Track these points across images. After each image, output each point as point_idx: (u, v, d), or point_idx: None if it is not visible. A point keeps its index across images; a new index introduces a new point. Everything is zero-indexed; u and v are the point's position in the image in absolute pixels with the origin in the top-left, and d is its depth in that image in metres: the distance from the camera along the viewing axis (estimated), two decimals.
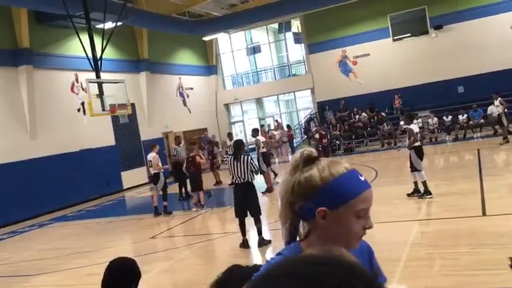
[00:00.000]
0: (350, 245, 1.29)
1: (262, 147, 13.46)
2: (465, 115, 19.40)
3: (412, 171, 9.44)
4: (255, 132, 14.29)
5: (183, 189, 14.00)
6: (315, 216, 1.28)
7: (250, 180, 7.77)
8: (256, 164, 8.11)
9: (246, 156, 8.00)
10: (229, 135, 18.67)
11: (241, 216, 7.79)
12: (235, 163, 7.74)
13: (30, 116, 15.41)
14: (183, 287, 6.73)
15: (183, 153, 14.78)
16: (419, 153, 9.36)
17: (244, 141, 24.32)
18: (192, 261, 7.93)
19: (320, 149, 15.24)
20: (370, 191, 1.30)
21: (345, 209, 1.27)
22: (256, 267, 1.57)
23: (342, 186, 1.28)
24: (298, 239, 1.35)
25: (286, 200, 1.33)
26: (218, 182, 15.74)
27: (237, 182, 7.77)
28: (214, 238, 9.27)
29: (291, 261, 0.62)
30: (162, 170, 12.24)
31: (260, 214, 7.83)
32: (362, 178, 1.32)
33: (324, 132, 15.64)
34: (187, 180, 12.73)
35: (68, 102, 17.14)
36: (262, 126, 25.28)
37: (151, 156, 12.19)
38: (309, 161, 1.34)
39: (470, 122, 19.24)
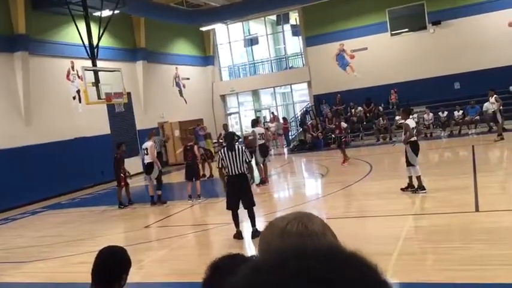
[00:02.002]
0: None
1: (259, 139, 13.42)
2: (461, 111, 19.44)
3: (407, 165, 9.47)
4: (254, 123, 14.23)
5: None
6: None
7: (244, 171, 7.75)
8: (249, 154, 8.07)
9: (239, 146, 7.99)
10: (225, 126, 18.57)
11: (233, 208, 7.78)
12: (229, 154, 7.71)
13: (25, 103, 15.31)
14: (176, 277, 6.73)
15: (157, 146, 14.72)
16: (415, 148, 9.38)
17: (239, 133, 24.22)
18: (185, 251, 7.94)
19: (343, 139, 15.34)
20: None
21: None
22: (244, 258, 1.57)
23: None
24: None
25: None
26: (210, 176, 15.69)
27: (231, 173, 7.74)
28: (208, 228, 9.27)
29: (279, 254, 0.57)
30: (155, 160, 12.24)
31: (254, 205, 7.82)
32: None
33: (337, 123, 15.67)
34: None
35: (63, 89, 17.05)
36: (258, 118, 25.18)
37: (149, 145, 12.23)
38: None
39: (466, 118, 19.28)
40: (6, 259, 8.55)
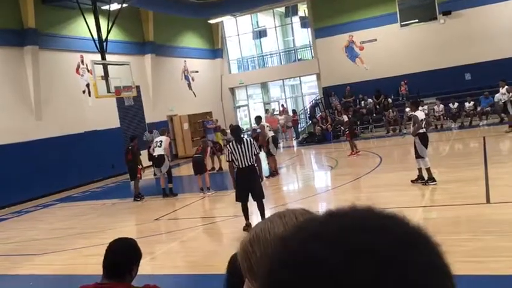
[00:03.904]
0: None
1: (270, 130, 13.49)
2: (472, 102, 19.25)
3: (416, 157, 9.42)
4: (258, 119, 14.23)
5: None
6: None
7: (253, 163, 7.74)
8: (257, 147, 8.07)
9: (248, 139, 7.99)
10: (223, 131, 18.64)
11: (243, 200, 7.79)
12: (239, 147, 7.70)
13: (35, 97, 15.41)
14: (186, 269, 6.78)
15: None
16: (423, 140, 9.32)
17: (247, 126, 24.16)
18: (195, 243, 7.97)
19: (347, 132, 15.41)
20: None
21: None
22: None
23: None
24: None
25: None
26: (220, 169, 15.74)
27: (241, 166, 7.72)
28: (217, 221, 9.31)
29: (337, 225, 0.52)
30: (168, 154, 12.36)
31: (263, 198, 7.83)
32: None
33: (350, 116, 15.76)
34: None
35: (73, 83, 17.14)
36: (267, 110, 25.26)
37: (164, 138, 12.42)
38: None
39: (478, 109, 19.08)
40: (19, 251, 8.66)
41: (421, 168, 9.43)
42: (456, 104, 19.63)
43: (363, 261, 0.47)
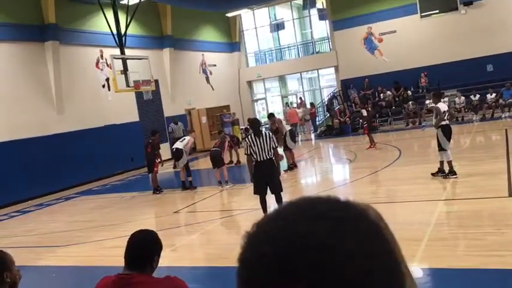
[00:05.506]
0: None
1: (286, 124, 13.48)
2: (493, 94, 18.90)
3: (439, 150, 9.29)
4: (271, 115, 14.19)
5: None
6: None
7: (272, 156, 7.73)
8: (276, 140, 8.02)
9: (266, 132, 7.97)
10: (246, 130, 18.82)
11: (261, 193, 7.78)
12: (257, 140, 7.67)
13: (56, 91, 15.64)
14: (205, 261, 6.83)
15: (180, 131, 17.43)
16: (446, 132, 9.18)
17: (264, 119, 24.22)
18: (214, 236, 8.02)
19: (365, 125, 15.32)
20: None
21: None
22: None
23: None
24: None
25: None
26: (238, 162, 15.77)
27: (259, 159, 7.70)
28: (236, 214, 9.34)
29: (297, 203, 0.63)
30: (187, 150, 12.51)
31: (281, 191, 7.81)
32: None
33: (369, 110, 15.65)
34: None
35: (93, 78, 17.33)
36: (286, 103, 25.19)
37: (188, 137, 12.80)
38: None
39: (500, 101, 18.73)
40: (41, 243, 8.82)
41: (443, 161, 9.30)
42: (477, 96, 19.31)
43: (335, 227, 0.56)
